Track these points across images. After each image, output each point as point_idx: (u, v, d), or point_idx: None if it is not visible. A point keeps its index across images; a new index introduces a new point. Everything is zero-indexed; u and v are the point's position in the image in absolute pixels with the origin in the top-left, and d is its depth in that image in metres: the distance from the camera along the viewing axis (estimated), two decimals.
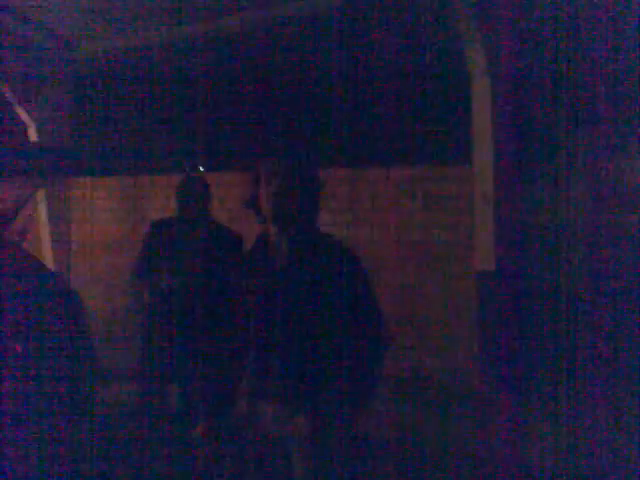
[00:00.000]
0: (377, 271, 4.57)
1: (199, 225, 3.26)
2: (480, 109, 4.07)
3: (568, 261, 3.73)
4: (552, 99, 3.97)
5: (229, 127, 5.89)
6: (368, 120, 4.99)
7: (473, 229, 4.12)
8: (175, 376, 2.97)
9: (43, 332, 2.90)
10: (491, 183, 4.00)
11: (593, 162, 3.87)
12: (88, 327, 3.11)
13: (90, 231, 5.94)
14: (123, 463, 2.83)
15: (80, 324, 2.86)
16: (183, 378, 2.93)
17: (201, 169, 6.22)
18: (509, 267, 3.90)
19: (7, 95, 5.92)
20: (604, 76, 3.77)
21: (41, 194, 4.65)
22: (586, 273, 3.67)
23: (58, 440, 2.45)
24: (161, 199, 5.65)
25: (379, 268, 4.55)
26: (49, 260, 5.55)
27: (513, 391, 3.65)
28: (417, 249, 4.49)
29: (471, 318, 4.10)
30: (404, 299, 4.47)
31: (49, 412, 2.68)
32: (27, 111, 5.90)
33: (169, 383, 3.08)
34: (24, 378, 2.74)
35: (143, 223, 5.55)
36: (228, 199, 5.47)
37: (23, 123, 5.95)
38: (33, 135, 5.94)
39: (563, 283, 3.64)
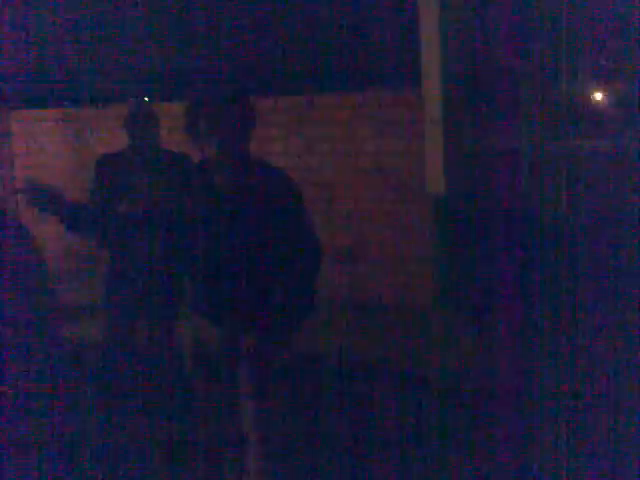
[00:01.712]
0: (330, 199, 4.61)
1: (150, 152, 3.23)
2: (429, 33, 4.06)
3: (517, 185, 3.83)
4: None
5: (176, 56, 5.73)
6: (318, 45, 4.91)
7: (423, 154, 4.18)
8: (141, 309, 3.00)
9: None
10: (439, 107, 4.04)
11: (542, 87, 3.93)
12: (42, 263, 3.09)
13: (34, 165, 5.77)
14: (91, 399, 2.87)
15: (33, 260, 2.84)
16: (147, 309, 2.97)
17: (146, 99, 6.05)
18: (459, 190, 3.99)
19: None
20: None
21: None
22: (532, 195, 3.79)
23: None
24: (105, 130, 5.50)
25: (332, 196, 4.59)
26: None
27: (470, 314, 3.78)
28: (369, 176, 4.54)
29: (424, 242, 4.20)
30: (357, 226, 4.54)
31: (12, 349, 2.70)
32: None
33: (136, 318, 3.11)
34: None
35: (88, 155, 5.43)
36: (176, 130, 5.37)
37: None
38: None
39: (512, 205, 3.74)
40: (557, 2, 3.74)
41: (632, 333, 2.79)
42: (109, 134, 5.34)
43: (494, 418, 2.72)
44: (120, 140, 3.49)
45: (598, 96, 4.40)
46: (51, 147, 5.76)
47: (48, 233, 2.96)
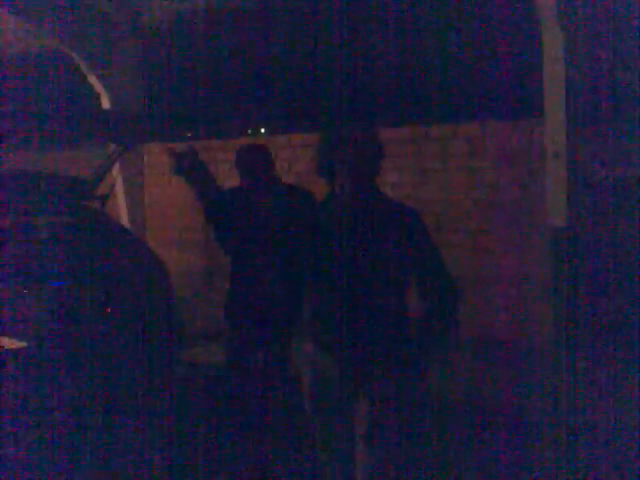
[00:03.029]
0: (447, 231, 4.55)
1: (265, 190, 3.28)
2: (552, 60, 3.94)
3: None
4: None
5: (295, 89, 5.90)
6: (435, 75, 4.90)
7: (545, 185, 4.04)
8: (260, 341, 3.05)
9: (130, 296, 3.08)
10: (563, 138, 3.90)
11: None
12: (173, 291, 3.26)
13: (162, 195, 6.13)
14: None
15: (165, 289, 3.01)
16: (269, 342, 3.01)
17: (262, 131, 6.28)
18: (580, 223, 3.82)
19: (81, 66, 6.12)
20: None
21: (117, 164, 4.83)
22: None
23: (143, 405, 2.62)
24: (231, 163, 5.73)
25: (449, 228, 4.53)
26: (126, 225, 5.78)
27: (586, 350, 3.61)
28: (488, 207, 4.44)
29: (544, 275, 4.05)
30: (475, 258, 4.44)
31: (135, 374, 2.86)
32: (99, 80, 6.08)
33: (256, 348, 3.16)
34: (113, 339, 2.93)
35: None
36: (295, 162, 5.52)
37: (96, 92, 6.14)
38: (106, 103, 6.12)
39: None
40: None
41: None
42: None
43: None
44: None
45: None
46: (178, 179, 6.09)
47: (175, 259, 3.14)
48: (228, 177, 5.38)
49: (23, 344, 2.73)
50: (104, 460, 2.59)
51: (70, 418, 2.69)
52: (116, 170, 5.57)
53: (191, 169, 2.25)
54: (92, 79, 6.14)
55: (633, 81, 3.94)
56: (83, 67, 6.08)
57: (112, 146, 3.94)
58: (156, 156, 6.20)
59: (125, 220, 5.91)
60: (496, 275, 4.34)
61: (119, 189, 5.86)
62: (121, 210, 5.98)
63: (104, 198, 3.90)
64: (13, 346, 2.70)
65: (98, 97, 6.19)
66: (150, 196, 6.23)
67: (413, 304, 2.06)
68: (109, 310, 3.05)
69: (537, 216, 4.11)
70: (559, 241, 3.94)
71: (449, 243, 4.50)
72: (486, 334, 4.31)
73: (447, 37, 4.80)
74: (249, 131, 6.79)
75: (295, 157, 5.55)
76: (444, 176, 4.55)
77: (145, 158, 6.26)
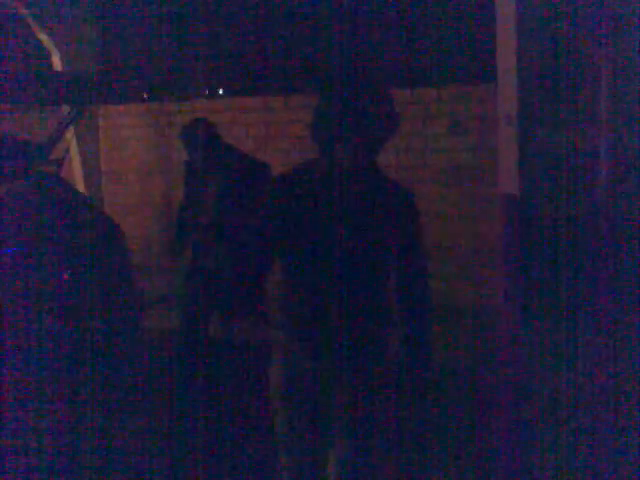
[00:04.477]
0: None
1: (213, 165, 3.28)
2: (504, 23, 3.99)
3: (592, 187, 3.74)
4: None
5: (253, 49, 5.84)
6: (391, 41, 4.92)
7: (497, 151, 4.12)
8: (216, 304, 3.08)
9: (88, 261, 3.07)
10: (515, 103, 3.98)
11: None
12: (128, 256, 3.26)
13: (119, 159, 6.04)
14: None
15: (122, 253, 3.01)
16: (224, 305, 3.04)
17: (221, 92, 6.21)
18: (533, 191, 3.93)
19: (30, 23, 5.91)
20: None
21: (72, 128, 4.74)
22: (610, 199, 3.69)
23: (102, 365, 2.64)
24: None
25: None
26: (82, 190, 5.69)
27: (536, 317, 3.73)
28: (443, 173, 4.52)
29: (496, 242, 4.16)
30: (430, 224, 4.53)
31: (93, 337, 2.88)
32: (51, 39, 5.90)
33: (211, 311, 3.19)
34: (71, 304, 2.93)
35: (170, 150, 5.64)
36: (253, 126, 5.49)
37: (47, 51, 5.96)
38: (57, 63, 5.96)
39: (586, 208, 3.67)
40: None
41: None
42: None
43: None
44: None
45: None
46: (134, 141, 6.01)
47: (132, 225, 3.13)
48: None
49: None
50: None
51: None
52: (70, 133, 5.47)
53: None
54: (42, 37, 5.96)
55: (590, 48, 4.02)
56: (32, 24, 5.88)
57: (66, 108, 3.87)
58: (111, 119, 6.09)
59: (81, 185, 5.82)
60: (450, 242, 4.45)
61: (74, 153, 5.76)
62: (76, 175, 5.88)
63: (59, 162, 3.84)
64: None
65: (48, 56, 6.02)
66: (106, 161, 6.13)
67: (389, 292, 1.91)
68: (66, 276, 3.05)
69: (490, 183, 4.21)
70: (510, 208, 4.05)
71: None
72: (440, 301, 4.43)
73: (404, 3, 4.81)
74: (206, 92, 6.71)
75: (254, 121, 5.51)
76: (399, 141, 4.60)
77: (100, 121, 6.14)
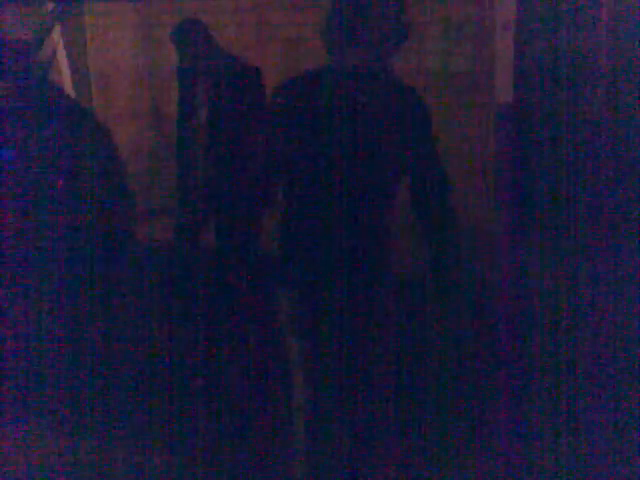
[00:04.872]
0: None
1: (206, 68, 3.24)
2: None
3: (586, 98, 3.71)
4: None
5: None
6: None
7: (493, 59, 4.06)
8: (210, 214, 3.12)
9: (81, 167, 3.08)
10: (513, 8, 3.88)
11: None
12: (121, 163, 3.26)
13: (108, 62, 5.89)
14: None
15: (114, 160, 3.01)
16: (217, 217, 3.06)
17: None
18: (526, 100, 3.90)
19: None
20: None
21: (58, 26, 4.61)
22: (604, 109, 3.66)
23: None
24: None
25: None
26: (71, 93, 5.59)
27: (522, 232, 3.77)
28: (436, 78, 4.46)
29: (489, 151, 4.17)
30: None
31: (86, 247, 2.92)
32: None
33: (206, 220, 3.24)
34: (64, 211, 2.96)
35: (161, 52, 5.50)
36: (246, 25, 5.33)
37: None
38: None
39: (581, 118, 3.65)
40: None
41: None
42: None
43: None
44: None
45: None
46: (123, 40, 5.85)
47: (125, 133, 3.12)
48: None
49: None
50: None
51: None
52: (57, 33, 5.30)
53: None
54: None
55: None
56: None
57: (50, 5, 3.75)
58: (99, 17, 5.89)
59: (69, 88, 5.70)
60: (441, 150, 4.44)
61: (61, 55, 5.61)
62: (65, 77, 5.75)
63: (47, 64, 3.76)
64: None
65: None
66: (95, 63, 5.98)
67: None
68: (60, 183, 3.06)
69: (485, 90, 4.17)
70: (504, 117, 4.03)
71: None
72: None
73: None
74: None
75: (245, 22, 5.35)
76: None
77: (87, 19, 5.94)
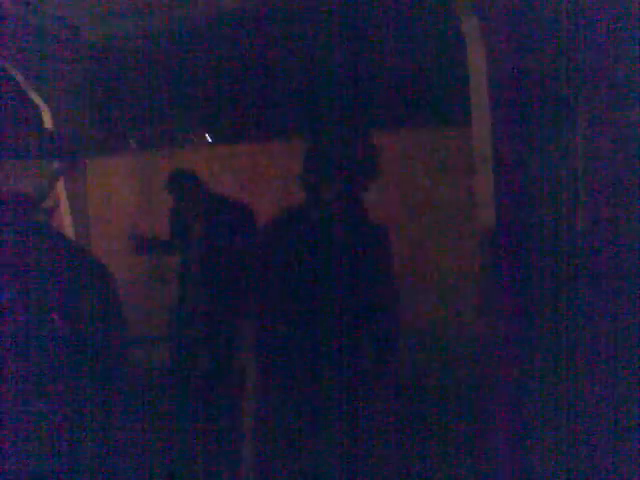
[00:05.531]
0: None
1: (196, 213, 3.41)
2: (476, 70, 4.17)
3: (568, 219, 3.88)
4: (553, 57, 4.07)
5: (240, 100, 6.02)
6: (368, 85, 5.11)
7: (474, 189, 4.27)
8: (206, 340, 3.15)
9: (78, 303, 3.14)
10: (489, 144, 4.13)
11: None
12: (118, 298, 3.33)
13: (106, 207, 6.17)
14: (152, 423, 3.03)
15: (111, 296, 3.08)
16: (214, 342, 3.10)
17: (209, 139, 6.38)
18: (510, 225, 4.06)
19: (20, 81, 6.10)
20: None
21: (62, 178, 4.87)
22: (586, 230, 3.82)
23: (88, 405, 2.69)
24: None
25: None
26: (71, 236, 5.79)
27: (513, 350, 3.80)
28: (420, 210, 4.65)
29: (473, 275, 4.27)
30: (409, 258, 4.64)
31: (84, 378, 2.93)
32: (41, 96, 6.09)
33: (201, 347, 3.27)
34: (60, 347, 2.99)
35: (156, 197, 5.77)
36: (241, 172, 5.62)
37: (38, 107, 6.12)
38: (48, 118, 6.13)
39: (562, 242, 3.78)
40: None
41: None
42: None
43: None
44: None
45: None
46: (122, 189, 6.15)
47: (118, 268, 3.21)
48: None
49: None
50: None
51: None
52: (60, 184, 5.60)
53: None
54: (32, 94, 6.15)
55: (559, 85, 4.21)
56: (22, 82, 6.08)
57: (55, 162, 3.98)
58: (99, 168, 6.23)
59: (70, 232, 5.93)
60: (430, 274, 4.55)
61: (63, 202, 5.88)
62: (65, 222, 6.00)
63: (49, 211, 3.94)
64: None
65: (38, 110, 6.19)
66: (94, 208, 6.26)
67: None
68: (54, 316, 3.11)
69: (467, 218, 4.35)
70: (487, 241, 4.18)
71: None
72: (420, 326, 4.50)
73: (379, 46, 5.02)
74: (193, 139, 6.88)
75: (242, 167, 5.65)
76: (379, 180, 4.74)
77: (89, 171, 6.28)
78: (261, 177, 5.32)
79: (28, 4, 5.65)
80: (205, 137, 6.82)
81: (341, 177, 1.85)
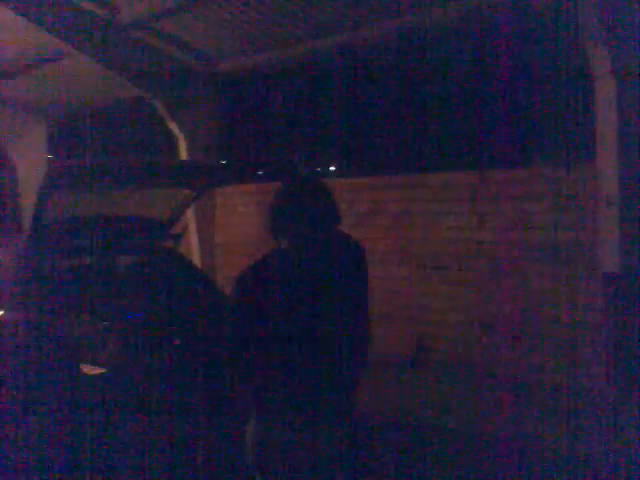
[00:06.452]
0: (501, 273, 4.66)
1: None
2: (604, 108, 4.03)
3: None
4: None
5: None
6: (493, 122, 5.06)
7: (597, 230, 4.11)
8: None
9: (198, 329, 3.35)
10: (615, 184, 3.97)
11: None
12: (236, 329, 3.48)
13: (232, 234, 6.47)
14: None
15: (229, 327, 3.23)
16: None
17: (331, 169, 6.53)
18: (634, 269, 3.86)
19: (160, 111, 6.59)
20: None
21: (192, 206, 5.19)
22: None
23: None
24: None
25: (504, 270, 4.62)
26: (197, 261, 6.14)
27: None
28: (542, 250, 4.50)
29: (597, 320, 4.09)
30: (528, 300, 4.50)
31: (198, 400, 3.11)
32: (178, 126, 6.54)
33: None
34: (180, 369, 3.21)
35: None
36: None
37: (176, 137, 6.60)
38: (184, 148, 6.57)
39: None
40: None
41: None
42: None
43: None
44: None
45: None
46: (247, 217, 6.44)
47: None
48: None
49: (102, 370, 3.05)
50: None
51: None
52: (190, 211, 5.96)
53: None
54: (171, 125, 6.61)
55: None
56: (163, 113, 6.55)
57: (187, 190, 4.26)
58: (228, 197, 6.56)
59: (197, 257, 6.28)
60: (548, 318, 4.38)
61: (192, 229, 6.24)
62: (193, 248, 6.36)
63: (178, 238, 4.23)
64: (94, 372, 3.01)
65: (177, 140, 6.65)
66: (221, 235, 6.59)
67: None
68: (177, 342, 3.34)
69: (589, 260, 4.17)
70: (611, 286, 3.98)
71: (502, 283, 4.60)
72: (534, 376, 4.34)
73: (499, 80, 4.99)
74: (318, 170, 7.09)
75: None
76: (499, 218, 4.66)
77: (217, 200, 6.63)
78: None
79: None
80: (329, 169, 7.02)
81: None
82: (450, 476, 3.13)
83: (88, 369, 3.03)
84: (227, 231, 6.59)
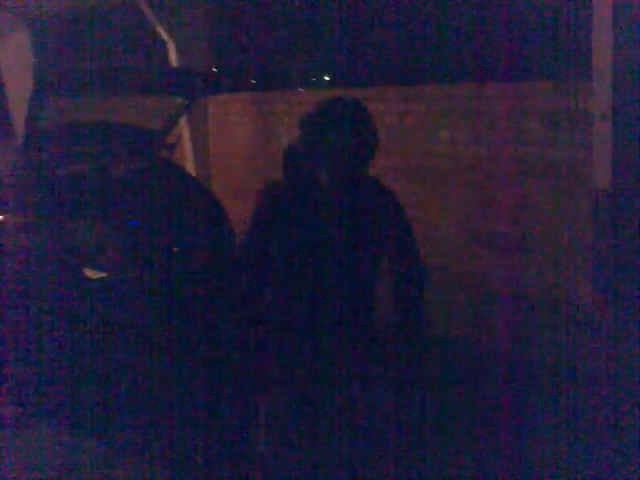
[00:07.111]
0: (493, 188, 4.71)
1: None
2: (600, 24, 3.97)
3: None
4: None
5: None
6: (486, 34, 4.97)
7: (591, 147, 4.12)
8: None
9: (194, 238, 3.40)
10: (610, 101, 3.95)
11: None
12: (233, 236, 3.53)
13: (226, 144, 6.42)
14: None
15: (226, 233, 3.28)
16: None
17: (326, 79, 6.43)
18: (626, 187, 3.90)
19: (148, 16, 6.37)
20: None
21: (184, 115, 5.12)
22: None
23: None
24: (290, 115, 5.93)
25: (496, 185, 4.68)
26: (192, 171, 6.11)
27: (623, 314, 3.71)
28: (534, 166, 4.53)
29: (586, 238, 4.16)
30: (520, 217, 4.55)
31: (196, 307, 3.18)
32: (167, 31, 6.34)
33: None
34: (178, 275, 3.28)
35: (273, 137, 5.96)
36: None
37: (164, 42, 6.41)
38: (172, 53, 6.39)
39: None
40: None
41: None
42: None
43: None
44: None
45: None
46: (240, 127, 6.38)
47: (238, 208, 3.40)
48: (288, 128, 5.64)
49: (104, 274, 3.12)
50: None
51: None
52: (183, 120, 5.88)
53: None
54: (159, 29, 6.40)
55: None
56: (151, 18, 6.33)
57: (180, 98, 4.21)
58: (220, 106, 6.47)
59: (191, 167, 6.25)
60: (539, 238, 4.45)
61: (185, 139, 6.18)
62: (187, 158, 6.32)
63: (172, 147, 4.21)
64: (95, 276, 3.09)
65: (165, 46, 6.46)
66: (214, 145, 6.54)
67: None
68: (175, 249, 3.40)
69: (582, 178, 4.20)
70: (603, 204, 4.03)
71: (494, 200, 4.65)
72: (528, 292, 4.46)
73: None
74: (312, 80, 6.94)
75: None
76: (493, 134, 4.65)
77: (210, 108, 6.54)
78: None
79: None
80: (324, 79, 6.88)
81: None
82: (450, 380, 3.29)
83: (90, 273, 3.10)
84: (220, 141, 6.53)
